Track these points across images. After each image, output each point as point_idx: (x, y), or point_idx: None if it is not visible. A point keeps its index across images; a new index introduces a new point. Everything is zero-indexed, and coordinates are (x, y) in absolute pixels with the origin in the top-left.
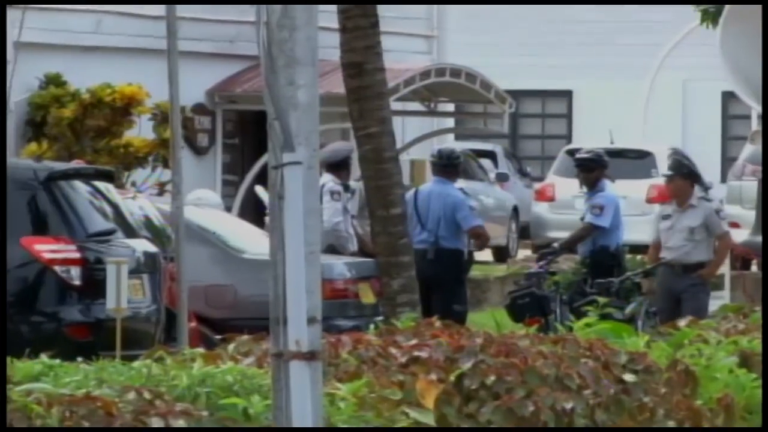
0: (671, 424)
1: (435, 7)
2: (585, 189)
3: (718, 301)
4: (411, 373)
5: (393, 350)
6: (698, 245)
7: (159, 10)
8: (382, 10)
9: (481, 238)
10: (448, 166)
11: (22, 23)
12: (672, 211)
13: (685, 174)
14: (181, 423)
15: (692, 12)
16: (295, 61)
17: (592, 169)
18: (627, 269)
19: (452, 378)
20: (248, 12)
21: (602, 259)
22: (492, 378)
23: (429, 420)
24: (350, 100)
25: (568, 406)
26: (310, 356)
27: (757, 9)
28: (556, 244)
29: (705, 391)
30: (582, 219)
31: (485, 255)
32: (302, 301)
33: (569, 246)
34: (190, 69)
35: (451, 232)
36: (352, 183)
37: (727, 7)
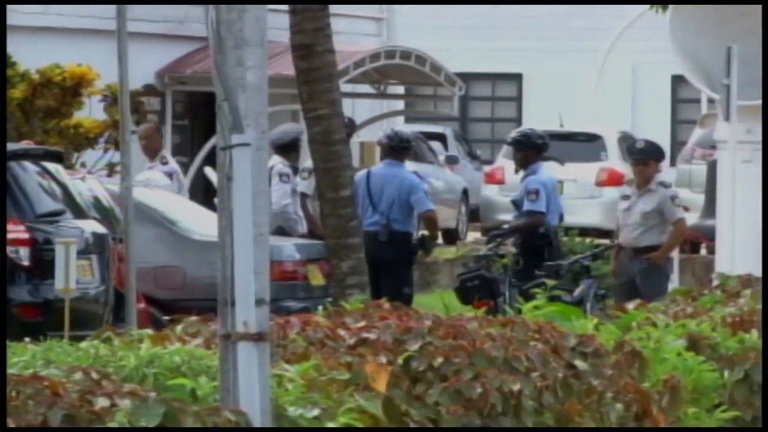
0: (619, 406)
1: None
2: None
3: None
4: (359, 355)
5: (341, 332)
6: (650, 230)
7: None
8: None
9: (431, 222)
10: (399, 148)
11: None
12: (631, 193)
13: (657, 158)
14: (127, 403)
15: None
16: (243, 42)
17: (519, 149)
18: (562, 251)
19: (400, 360)
20: None
21: (532, 241)
22: (440, 360)
23: (375, 407)
24: (300, 81)
25: (516, 388)
26: (257, 337)
27: None
28: (505, 226)
29: (653, 374)
30: (513, 201)
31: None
32: (250, 282)
33: (519, 232)
34: (140, 50)
35: (404, 215)
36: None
37: None
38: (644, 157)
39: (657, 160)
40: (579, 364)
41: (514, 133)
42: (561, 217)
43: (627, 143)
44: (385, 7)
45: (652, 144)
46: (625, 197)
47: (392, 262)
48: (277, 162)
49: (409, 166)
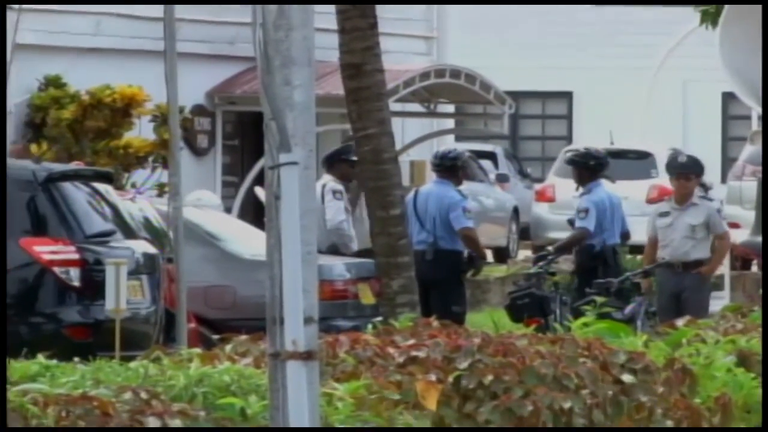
0: (669, 423)
1: (435, 7)
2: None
3: (718, 301)
4: (408, 373)
5: (391, 350)
6: (699, 243)
7: (157, 11)
8: (381, 10)
9: (469, 241)
10: (444, 167)
11: (17, 25)
12: (670, 208)
13: (699, 173)
14: (177, 423)
15: (692, 12)
16: (291, 62)
17: (575, 168)
18: (619, 269)
19: (451, 379)
20: (247, 13)
21: (586, 260)
22: (490, 378)
23: (425, 423)
24: (349, 101)
25: (567, 405)
26: (306, 356)
27: (756, 9)
28: (550, 248)
29: (703, 390)
30: (570, 222)
31: (486, 255)
32: (299, 300)
33: (564, 249)
34: (190, 70)
35: (449, 233)
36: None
37: (726, 7)
38: (687, 171)
39: (698, 174)
40: (628, 380)
41: (570, 153)
42: (625, 236)
43: (671, 157)
44: (435, 25)
45: (694, 158)
46: (664, 213)
47: (440, 281)
48: (329, 180)
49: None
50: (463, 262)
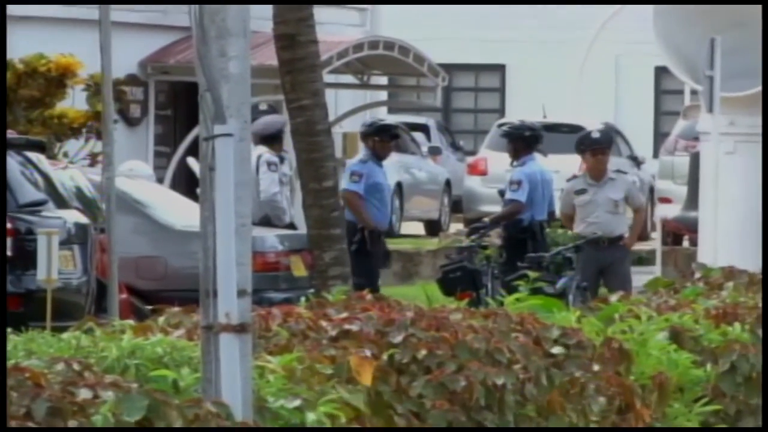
0: (602, 399)
1: None
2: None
3: (650, 276)
4: (342, 347)
5: (324, 323)
6: (620, 217)
7: None
8: None
9: (347, 204)
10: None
11: None
12: (586, 185)
13: (611, 147)
14: (110, 395)
15: None
16: (226, 33)
17: (510, 141)
18: (547, 244)
19: (385, 356)
20: None
21: (514, 234)
22: (423, 352)
23: (359, 399)
24: (283, 72)
25: (499, 381)
26: (239, 329)
27: None
28: (486, 219)
29: (638, 369)
30: (500, 192)
31: (417, 228)
32: (232, 273)
33: (498, 222)
34: (124, 40)
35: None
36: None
37: None
38: (602, 146)
39: (610, 148)
40: (561, 356)
41: (505, 126)
42: (550, 215)
43: (581, 135)
44: None
45: (607, 132)
46: (580, 191)
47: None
48: (264, 151)
49: (392, 156)
50: (350, 231)
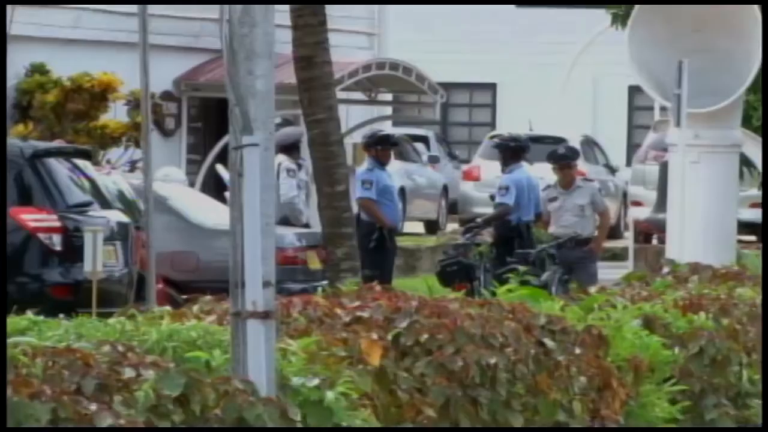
0: (583, 379)
1: (376, 7)
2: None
3: (623, 270)
4: (354, 332)
5: (338, 311)
6: (587, 220)
7: (132, 7)
8: (330, 9)
9: (364, 209)
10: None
11: (12, 17)
12: (557, 194)
13: (577, 159)
14: (150, 373)
15: (604, 14)
16: (254, 54)
17: (500, 151)
18: (532, 242)
19: (390, 337)
20: (211, 10)
21: (503, 233)
22: (425, 336)
23: (367, 382)
24: (301, 89)
25: (492, 361)
26: (264, 315)
27: (663, 10)
28: (479, 219)
29: (615, 352)
30: (491, 197)
31: (418, 227)
32: (258, 266)
33: (489, 222)
34: (160, 60)
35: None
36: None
37: (635, 9)
38: (568, 160)
39: (576, 160)
40: (548, 341)
41: (496, 138)
42: (538, 216)
43: (551, 150)
44: (376, 23)
45: (572, 148)
46: (553, 198)
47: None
48: (284, 159)
49: (395, 164)
50: (369, 231)
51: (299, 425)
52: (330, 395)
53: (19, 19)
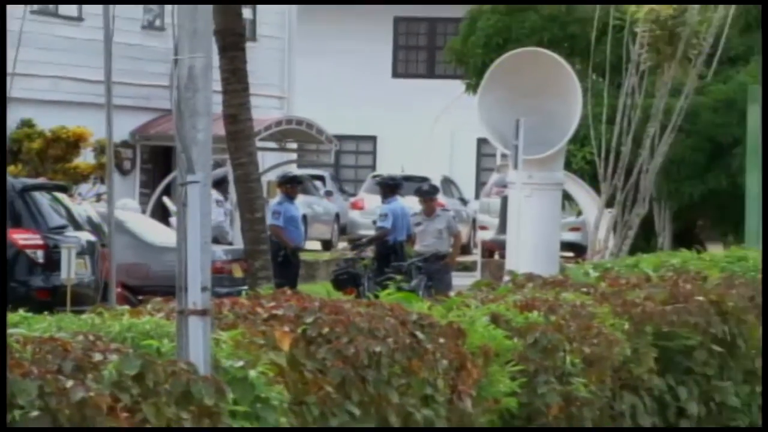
0: (445, 362)
1: (286, 76)
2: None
3: (472, 278)
4: (270, 325)
5: (258, 309)
6: (444, 241)
7: (99, 74)
8: (250, 78)
9: (273, 234)
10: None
11: (12, 84)
12: (422, 220)
13: (437, 194)
14: (114, 357)
15: (460, 84)
16: (196, 113)
17: (381, 188)
18: (405, 257)
19: (299, 329)
20: (160, 78)
21: (381, 250)
22: (326, 329)
23: (281, 360)
24: (228, 139)
25: (377, 349)
26: (202, 313)
27: (505, 80)
28: (364, 239)
29: (470, 341)
30: (374, 222)
31: (316, 245)
32: (198, 275)
33: (372, 241)
34: (120, 117)
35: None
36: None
37: (484, 79)
38: (430, 195)
39: (437, 195)
40: (419, 333)
41: (377, 177)
42: (410, 237)
43: (417, 187)
44: (286, 88)
45: (433, 185)
46: (417, 223)
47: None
48: (213, 193)
49: (300, 197)
50: (277, 250)
51: (230, 398)
52: (252, 374)
53: (15, 85)
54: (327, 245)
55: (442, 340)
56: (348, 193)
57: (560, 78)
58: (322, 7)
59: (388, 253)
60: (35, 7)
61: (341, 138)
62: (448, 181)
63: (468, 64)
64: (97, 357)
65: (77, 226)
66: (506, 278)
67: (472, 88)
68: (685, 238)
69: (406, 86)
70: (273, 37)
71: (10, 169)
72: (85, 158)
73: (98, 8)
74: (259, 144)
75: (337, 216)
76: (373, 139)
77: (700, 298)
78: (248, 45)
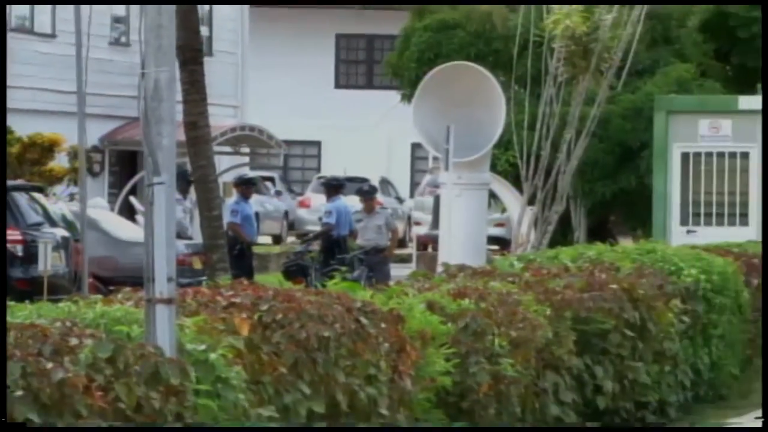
0: (386, 345)
1: (240, 87)
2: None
3: (408, 269)
4: (229, 313)
5: (218, 298)
6: (383, 236)
7: (72, 86)
8: (208, 89)
9: (231, 230)
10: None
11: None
12: (363, 217)
13: (376, 193)
14: (89, 341)
15: (396, 94)
16: (161, 121)
17: (325, 188)
18: (348, 250)
19: (255, 316)
20: (128, 88)
21: (327, 244)
22: (280, 315)
23: (240, 344)
24: (188, 144)
25: (326, 334)
26: (168, 301)
27: (436, 92)
28: (311, 234)
29: (409, 326)
30: (319, 219)
31: (268, 240)
32: (164, 267)
33: (318, 236)
34: (91, 124)
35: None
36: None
37: (417, 90)
38: (369, 195)
39: (376, 194)
40: (363, 319)
41: (322, 179)
42: (352, 233)
43: (358, 187)
44: (240, 98)
45: (373, 185)
46: (359, 220)
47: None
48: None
49: (254, 196)
50: (233, 244)
51: (193, 378)
52: (213, 356)
53: None
54: (277, 240)
55: (383, 325)
56: (296, 192)
57: (486, 89)
58: (273, 25)
59: (333, 247)
60: (13, 24)
61: (289, 143)
62: (385, 182)
63: (403, 77)
64: (74, 341)
65: (53, 223)
66: (440, 269)
67: (407, 98)
68: (599, 232)
69: (348, 96)
70: (228, 53)
71: None
72: (60, 162)
73: (71, 26)
74: (215, 149)
75: (286, 213)
76: (318, 144)
77: (614, 286)
78: (206, 59)
